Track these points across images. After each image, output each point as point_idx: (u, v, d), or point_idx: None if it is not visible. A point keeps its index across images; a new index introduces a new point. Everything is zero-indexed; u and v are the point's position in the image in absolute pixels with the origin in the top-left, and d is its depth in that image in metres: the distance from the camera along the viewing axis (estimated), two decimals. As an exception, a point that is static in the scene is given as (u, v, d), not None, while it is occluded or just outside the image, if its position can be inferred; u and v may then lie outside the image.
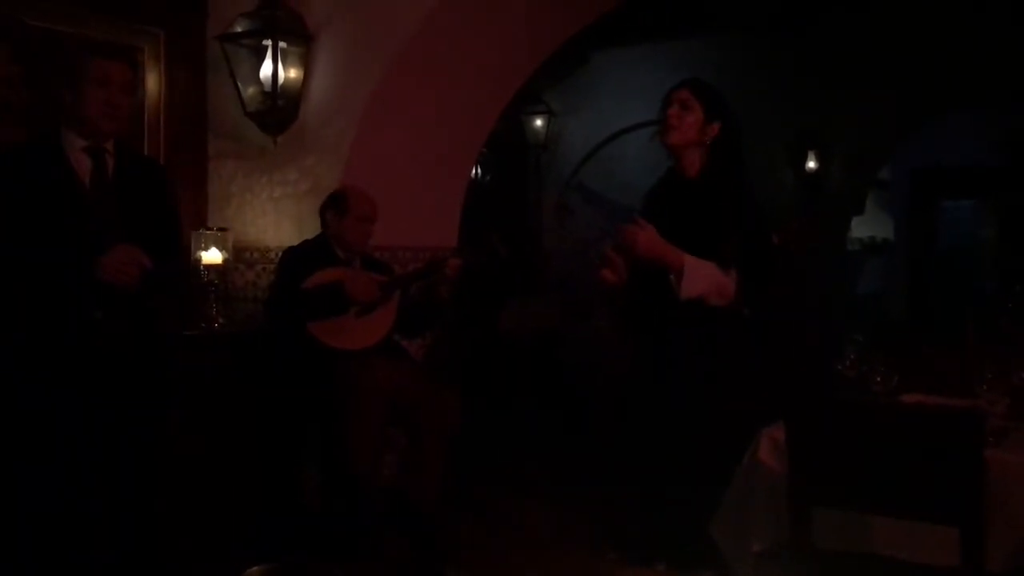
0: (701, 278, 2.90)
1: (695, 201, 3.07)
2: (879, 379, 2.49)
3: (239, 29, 3.96)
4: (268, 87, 3.94)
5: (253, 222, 4.24)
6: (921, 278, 9.28)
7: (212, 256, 3.94)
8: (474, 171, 5.92)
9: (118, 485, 2.78)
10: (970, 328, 3.29)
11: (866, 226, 9.48)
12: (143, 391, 2.79)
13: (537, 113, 7.59)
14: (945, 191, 9.32)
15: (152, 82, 4.09)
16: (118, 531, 2.80)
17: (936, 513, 2.03)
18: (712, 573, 2.87)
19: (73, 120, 2.70)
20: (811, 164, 6.95)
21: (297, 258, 3.63)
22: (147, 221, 2.81)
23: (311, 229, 3.85)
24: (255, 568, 0.78)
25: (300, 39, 3.98)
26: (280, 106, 3.98)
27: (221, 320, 3.93)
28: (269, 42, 3.90)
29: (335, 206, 3.65)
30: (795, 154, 6.95)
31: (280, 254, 3.82)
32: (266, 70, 3.93)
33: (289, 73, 3.97)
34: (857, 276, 9.61)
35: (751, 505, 2.40)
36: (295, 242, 3.84)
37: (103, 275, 2.59)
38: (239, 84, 4.02)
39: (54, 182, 2.65)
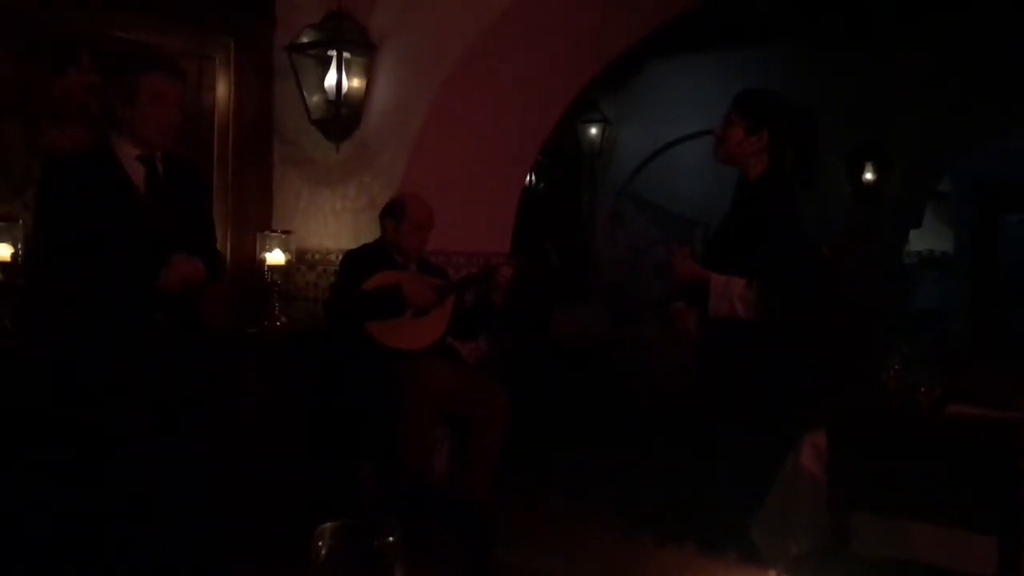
0: (724, 297, 3.00)
1: (745, 206, 3.16)
2: (923, 389, 2.51)
3: (306, 39, 4.11)
4: (332, 96, 4.09)
5: (315, 224, 4.38)
6: (983, 293, 9.11)
7: (276, 257, 4.09)
8: (528, 178, 6.01)
9: (175, 478, 2.88)
10: (1026, 343, 3.28)
11: (925, 239, 9.33)
12: (196, 386, 2.90)
13: (592, 121, 7.62)
14: (1008, 204, 9.15)
15: (222, 89, 4.27)
16: (173, 524, 2.89)
17: (974, 522, 2.06)
18: (737, 553, 3.01)
19: (127, 131, 2.79)
20: (868, 175, 6.89)
21: (357, 261, 3.76)
22: (193, 224, 2.95)
23: (372, 231, 3.98)
24: (327, 524, 0.86)
25: (364, 50, 4.12)
26: (343, 114, 4.12)
27: (283, 319, 4.08)
28: (334, 52, 4.05)
29: (393, 213, 3.78)
30: (852, 165, 6.90)
31: (340, 256, 3.96)
32: (331, 79, 4.08)
33: (353, 82, 4.11)
34: (916, 289, 9.47)
35: (792, 509, 2.45)
36: (356, 244, 3.97)
37: (166, 284, 2.71)
38: (304, 92, 4.17)
39: (111, 190, 2.75)
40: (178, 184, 2.93)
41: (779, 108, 3.21)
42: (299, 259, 4.34)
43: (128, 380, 2.75)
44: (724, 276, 3.04)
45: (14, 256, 3.37)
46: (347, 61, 4.07)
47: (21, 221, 3.47)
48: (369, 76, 4.16)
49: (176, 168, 2.95)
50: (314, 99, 4.17)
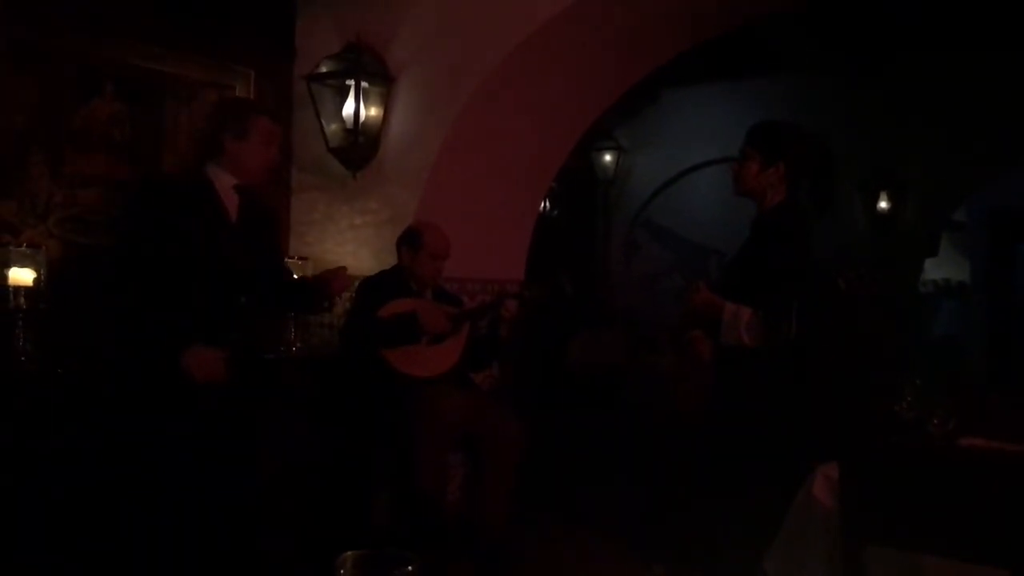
0: (733, 326, 3.02)
1: (760, 236, 3.19)
2: (936, 421, 2.51)
3: (324, 69, 4.18)
4: (350, 124, 4.15)
5: (333, 250, 4.43)
6: (1000, 323, 9.06)
7: (292, 283, 4.13)
8: (543, 205, 6.06)
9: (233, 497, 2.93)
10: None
11: (940, 268, 9.30)
12: (254, 409, 3.00)
13: (607, 149, 7.66)
14: (1024, 234, 9.13)
15: (242, 118, 4.33)
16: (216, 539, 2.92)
17: (987, 555, 2.06)
18: None
19: (228, 163, 2.91)
20: (883, 204, 6.89)
21: (373, 287, 3.80)
22: (271, 256, 3.13)
23: (388, 258, 4.03)
24: (348, 552, 0.89)
25: (382, 80, 4.18)
26: (361, 143, 4.18)
27: (299, 344, 4.12)
28: (352, 82, 4.11)
29: (410, 242, 3.82)
30: (867, 194, 6.91)
31: (358, 283, 3.99)
32: (348, 108, 4.14)
33: (370, 111, 4.17)
34: (932, 319, 9.42)
35: (804, 540, 2.45)
36: (372, 270, 4.02)
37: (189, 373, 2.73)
38: (323, 121, 4.23)
39: (207, 216, 2.86)
40: (261, 216, 3.08)
41: (794, 138, 3.23)
42: (316, 285, 4.37)
43: (197, 402, 2.78)
44: (735, 305, 3.06)
45: (36, 281, 3.43)
46: (365, 91, 4.14)
47: (44, 247, 3.53)
48: (386, 105, 4.23)
49: (259, 201, 3.09)
50: (332, 127, 4.23)
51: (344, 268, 3.18)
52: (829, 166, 3.22)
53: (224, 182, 2.91)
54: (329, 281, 3.11)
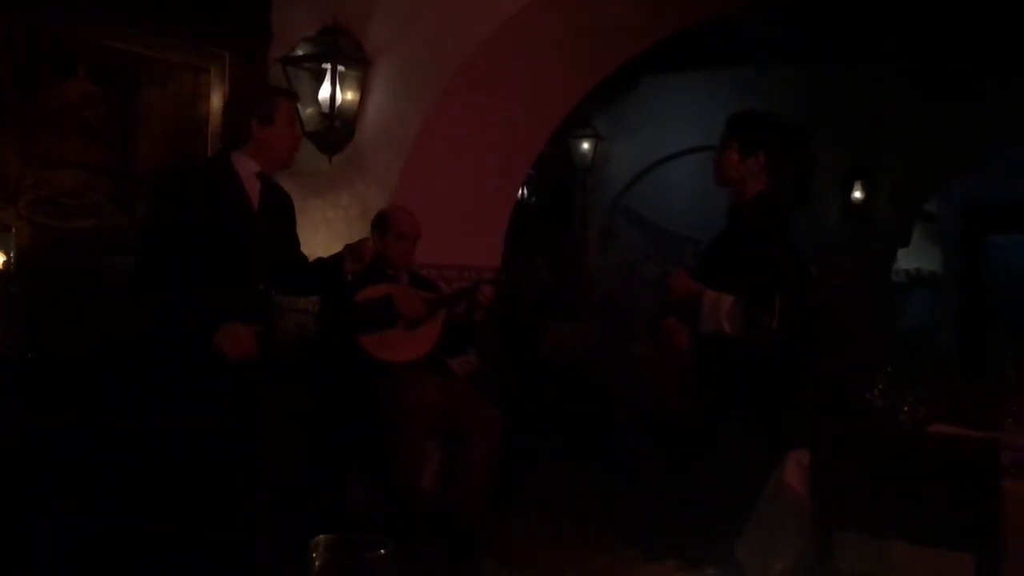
0: (712, 314, 3.04)
1: (740, 225, 3.21)
2: (906, 409, 2.54)
3: (300, 52, 4.15)
4: (326, 108, 4.12)
5: (306, 240, 4.39)
6: (970, 313, 9.19)
7: (268, 268, 4.11)
8: (521, 192, 6.05)
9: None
10: (1009, 364, 3.34)
11: (912, 258, 9.41)
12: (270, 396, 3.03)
13: (584, 136, 7.65)
14: (996, 225, 9.24)
15: (216, 100, 4.29)
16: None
17: (954, 540, 2.09)
18: (716, 570, 3.06)
19: (257, 150, 2.94)
20: (857, 194, 6.96)
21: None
22: (290, 239, 3.18)
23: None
24: (321, 536, 0.89)
25: (358, 64, 4.16)
26: (337, 127, 4.16)
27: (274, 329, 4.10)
28: (328, 66, 4.08)
29: (379, 225, 3.82)
30: (841, 184, 6.97)
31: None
32: (325, 92, 4.11)
33: (346, 96, 4.15)
34: (904, 309, 9.53)
35: (776, 526, 2.48)
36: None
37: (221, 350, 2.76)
38: (299, 105, 4.19)
39: (230, 202, 2.89)
40: (280, 203, 3.13)
41: (774, 128, 3.25)
42: (291, 270, 4.35)
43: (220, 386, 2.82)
44: (715, 293, 3.07)
45: (6, 264, 3.39)
46: (341, 75, 4.11)
47: (14, 230, 3.49)
48: (363, 90, 4.20)
49: (277, 188, 3.13)
50: (308, 112, 4.20)
51: (367, 239, 3.25)
52: (809, 156, 3.26)
53: (248, 169, 2.95)
54: (361, 252, 3.12)
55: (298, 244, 3.31)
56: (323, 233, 4.36)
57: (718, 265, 3.20)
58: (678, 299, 3.21)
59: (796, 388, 3.12)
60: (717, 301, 3.05)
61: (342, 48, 4.11)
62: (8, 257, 3.40)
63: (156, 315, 2.87)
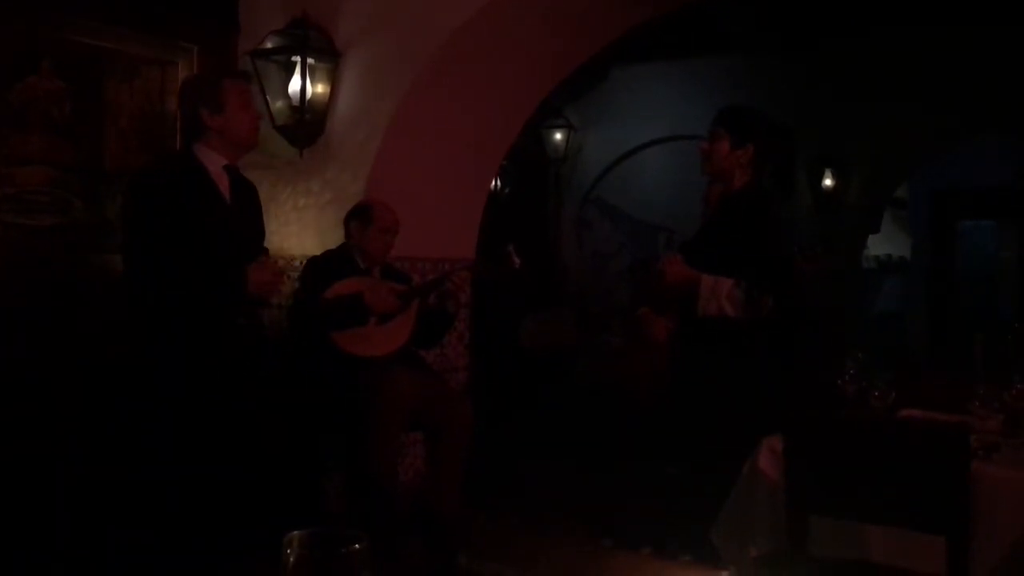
0: (712, 297, 3.09)
1: (727, 215, 3.27)
2: (877, 394, 2.57)
3: (270, 45, 4.10)
4: (296, 102, 4.08)
5: (277, 231, 4.37)
6: (940, 299, 9.31)
7: (238, 263, 4.07)
8: (494, 183, 6.05)
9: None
10: (978, 349, 3.41)
11: (882, 244, 9.52)
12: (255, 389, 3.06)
13: (557, 127, 7.67)
14: (964, 212, 9.35)
15: (185, 95, 4.25)
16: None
17: (925, 522, 2.12)
18: (690, 556, 3.18)
19: (217, 139, 2.90)
20: (828, 182, 7.02)
21: (318, 268, 3.76)
22: (259, 231, 3.15)
23: (332, 238, 3.99)
24: (295, 531, 0.88)
25: (328, 56, 4.12)
26: (307, 120, 4.12)
27: (244, 324, 4.06)
28: (298, 58, 4.04)
29: (360, 217, 3.79)
30: (812, 173, 7.03)
31: (303, 263, 3.95)
32: (295, 85, 4.08)
33: (317, 88, 4.11)
34: (874, 295, 9.64)
35: (750, 512, 2.50)
36: (317, 251, 3.97)
37: (252, 289, 2.83)
38: (268, 98, 4.15)
39: (202, 198, 2.86)
40: (248, 194, 3.12)
41: (763, 122, 3.34)
42: (262, 265, 4.32)
43: (207, 385, 2.84)
44: (712, 277, 3.13)
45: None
46: (311, 68, 4.07)
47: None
48: (333, 82, 4.17)
49: (244, 180, 3.12)
50: (278, 105, 4.16)
51: (267, 257, 3.13)
52: (792, 151, 3.36)
53: (215, 164, 2.92)
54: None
55: (264, 235, 3.29)
56: (294, 224, 4.33)
57: (708, 253, 3.25)
58: (672, 285, 3.24)
59: (770, 374, 3.16)
60: (716, 284, 3.11)
61: (312, 41, 4.08)
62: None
63: (156, 315, 2.85)
